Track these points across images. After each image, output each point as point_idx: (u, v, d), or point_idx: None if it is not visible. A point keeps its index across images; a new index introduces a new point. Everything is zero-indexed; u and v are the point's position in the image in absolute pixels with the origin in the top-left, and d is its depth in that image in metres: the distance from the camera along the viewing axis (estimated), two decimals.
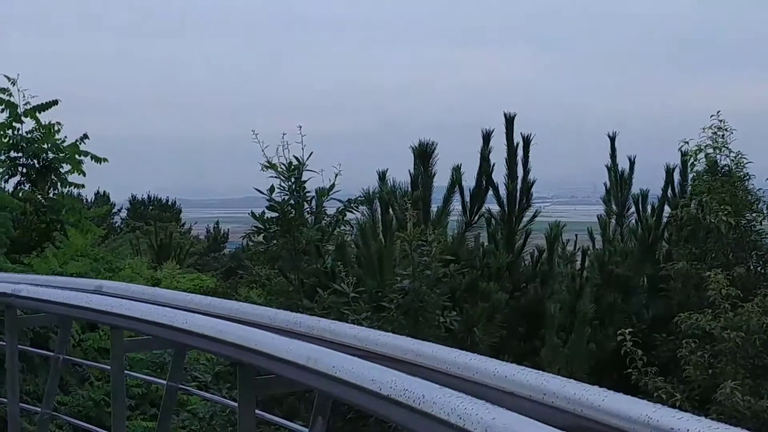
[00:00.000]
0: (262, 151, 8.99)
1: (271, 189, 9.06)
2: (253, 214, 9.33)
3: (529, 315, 10.94)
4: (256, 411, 4.49)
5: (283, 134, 9.02)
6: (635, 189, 12.84)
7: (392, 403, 3.02)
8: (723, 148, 11.28)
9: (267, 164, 8.95)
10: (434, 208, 11.39)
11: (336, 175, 9.45)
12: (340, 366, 3.38)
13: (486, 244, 11.61)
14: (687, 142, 11.60)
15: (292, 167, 8.99)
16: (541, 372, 3.21)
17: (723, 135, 11.27)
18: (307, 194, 9.55)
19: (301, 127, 8.93)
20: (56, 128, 11.74)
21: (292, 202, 9.14)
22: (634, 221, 12.66)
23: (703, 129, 11.27)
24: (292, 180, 9.11)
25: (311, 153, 9.14)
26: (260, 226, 9.17)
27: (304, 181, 9.32)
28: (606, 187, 12.90)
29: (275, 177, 9.08)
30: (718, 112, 11.32)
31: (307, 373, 3.60)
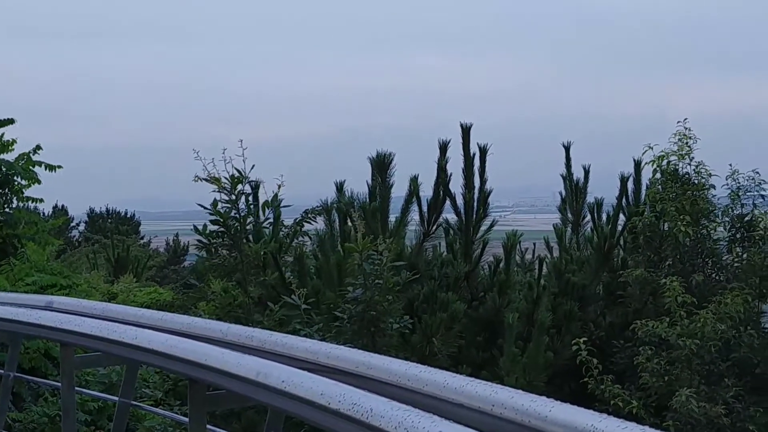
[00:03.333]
0: (203, 167, 8.93)
1: (214, 203, 9.00)
2: (195, 228, 9.25)
3: (487, 324, 10.97)
4: (208, 426, 4.45)
5: (224, 149, 8.98)
6: (592, 197, 12.98)
7: (341, 417, 3.01)
8: (686, 156, 11.39)
9: (205, 178, 8.89)
10: (393, 218, 11.40)
11: (279, 187, 9.41)
12: (289, 380, 3.35)
13: (444, 254, 11.65)
14: (651, 147, 11.66)
15: (234, 180, 8.95)
16: (490, 383, 3.21)
17: (687, 142, 11.38)
18: (252, 206, 9.51)
19: (242, 141, 8.90)
20: (11, 147, 11.59)
21: (235, 215, 9.09)
22: (590, 229, 12.77)
23: (676, 134, 11.35)
24: (235, 193, 9.06)
25: (253, 165, 9.12)
26: (204, 240, 9.11)
27: (250, 193, 9.28)
28: (561, 196, 13.01)
29: (218, 191, 9.03)
30: (685, 119, 11.43)
31: (257, 388, 3.57)
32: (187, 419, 4.43)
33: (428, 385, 3.35)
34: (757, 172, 11.33)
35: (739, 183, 11.25)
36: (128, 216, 44.60)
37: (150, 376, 8.99)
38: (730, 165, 11.47)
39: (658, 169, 11.49)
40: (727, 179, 11.34)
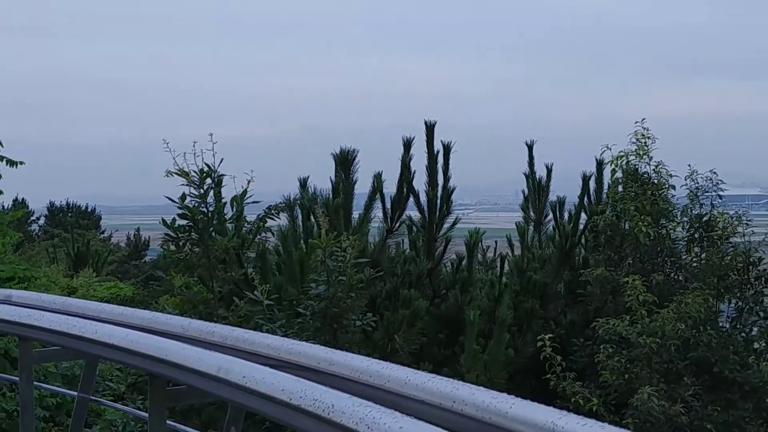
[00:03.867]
0: (173, 159, 8.85)
1: (183, 197, 8.93)
2: (164, 222, 9.16)
3: (449, 321, 11.00)
4: (168, 422, 4.43)
5: (194, 142, 8.90)
6: (554, 196, 13.05)
7: (302, 413, 3.01)
8: (645, 156, 11.48)
9: (175, 172, 8.82)
10: (356, 215, 11.39)
11: (248, 182, 9.35)
12: (250, 376, 3.35)
13: (407, 251, 11.66)
14: (610, 148, 11.76)
15: (203, 174, 8.88)
16: (451, 380, 3.22)
17: (646, 143, 11.47)
18: (222, 201, 9.45)
19: (212, 134, 8.82)
20: None
21: (203, 209, 9.02)
22: (552, 228, 12.84)
23: (634, 134, 11.45)
24: (204, 187, 8.99)
25: (222, 159, 9.05)
26: (172, 234, 9.03)
27: (215, 188, 9.21)
28: (524, 194, 13.07)
29: (187, 185, 8.96)
30: (643, 119, 11.53)
31: (218, 383, 3.56)
32: (147, 414, 4.41)
33: (390, 382, 3.36)
34: (715, 173, 11.46)
35: (697, 183, 11.38)
36: (89, 210, 44.16)
37: (112, 371, 8.91)
38: (689, 165, 11.60)
39: (617, 169, 11.60)
40: (685, 179, 11.47)
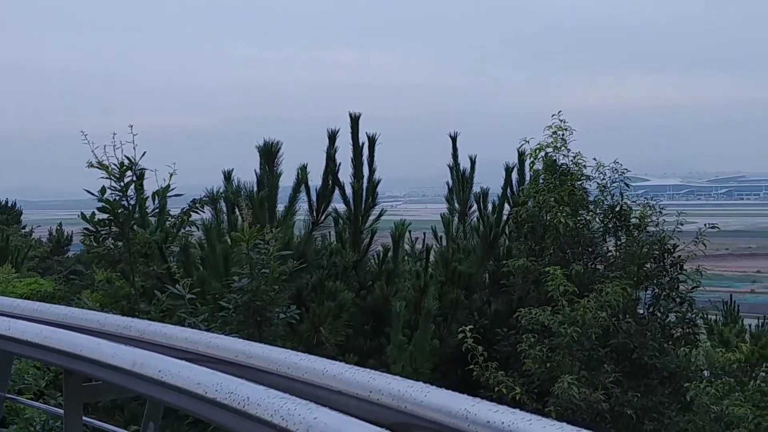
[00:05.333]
0: (92, 151, 8.69)
1: (102, 190, 8.78)
2: (83, 216, 8.98)
3: (375, 313, 11.04)
4: (87, 418, 4.37)
5: (114, 134, 8.74)
6: (479, 187, 13.19)
7: (217, 406, 3.00)
8: (562, 148, 11.67)
9: (96, 164, 8.67)
10: (281, 207, 11.34)
11: (171, 175, 9.23)
12: (166, 370, 3.32)
13: (333, 243, 11.66)
14: (527, 141, 11.95)
15: (124, 167, 8.75)
16: (369, 370, 3.24)
17: (563, 135, 11.66)
18: (143, 195, 9.31)
19: (132, 126, 8.67)
20: None
21: (124, 203, 8.89)
22: (476, 219, 12.98)
23: (550, 127, 11.63)
24: (124, 180, 8.85)
25: (144, 152, 8.92)
26: (91, 228, 8.87)
27: (136, 181, 9.07)
28: (449, 186, 13.18)
29: (107, 178, 8.80)
30: (559, 111, 11.72)
31: (134, 378, 3.52)
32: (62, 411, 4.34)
33: (307, 373, 3.36)
34: (620, 163, 11.74)
35: (605, 175, 11.64)
36: (8, 205, 43.12)
37: (28, 368, 8.72)
38: (595, 159, 11.84)
39: (534, 161, 11.80)
40: (593, 172, 11.71)
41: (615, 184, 11.61)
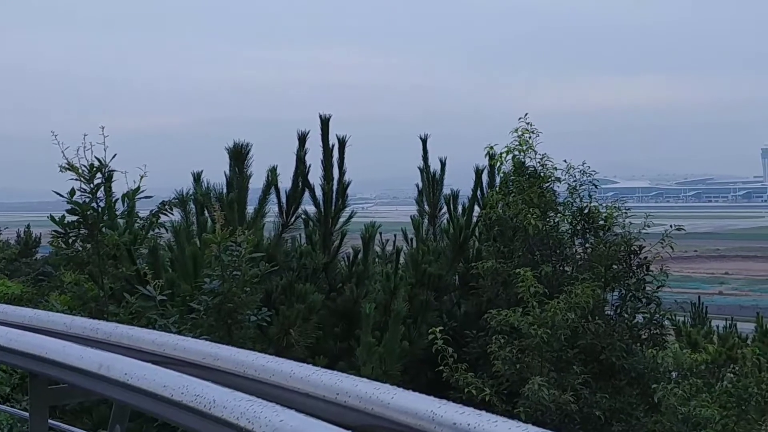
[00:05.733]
0: (62, 152, 8.62)
1: (72, 192, 8.71)
2: (51, 218, 8.91)
3: (345, 315, 11.04)
4: (53, 422, 4.33)
5: (84, 135, 8.68)
6: (449, 189, 13.21)
7: (184, 409, 2.99)
8: (529, 150, 11.73)
9: (66, 166, 8.60)
10: (251, 209, 11.30)
11: (141, 177, 9.17)
12: (132, 373, 3.31)
13: (303, 245, 11.63)
14: (492, 147, 12.01)
15: (93, 169, 8.68)
16: (336, 373, 3.24)
17: (530, 137, 11.71)
18: (112, 197, 9.24)
19: (103, 128, 8.61)
20: None
21: (94, 204, 8.82)
22: (446, 221, 13.00)
23: (515, 130, 11.68)
24: (94, 182, 8.79)
25: (115, 155, 8.86)
26: (60, 230, 8.80)
27: (105, 183, 9.00)
28: (419, 188, 13.20)
29: (76, 179, 8.73)
30: (526, 114, 11.77)
31: (100, 381, 3.50)
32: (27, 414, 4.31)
33: (275, 375, 3.36)
34: (588, 165, 11.83)
35: (575, 177, 11.71)
36: None
37: None
38: (565, 161, 11.92)
39: (501, 164, 11.88)
40: (563, 174, 11.78)
41: (583, 187, 11.68)
